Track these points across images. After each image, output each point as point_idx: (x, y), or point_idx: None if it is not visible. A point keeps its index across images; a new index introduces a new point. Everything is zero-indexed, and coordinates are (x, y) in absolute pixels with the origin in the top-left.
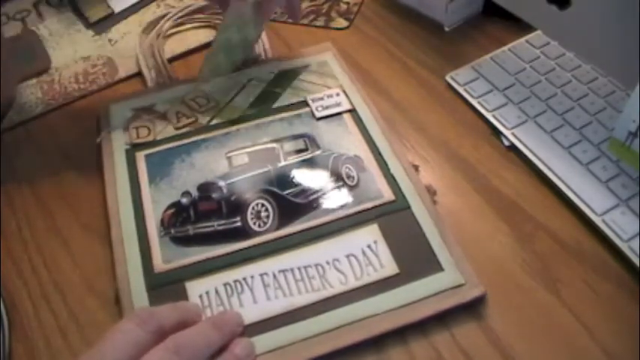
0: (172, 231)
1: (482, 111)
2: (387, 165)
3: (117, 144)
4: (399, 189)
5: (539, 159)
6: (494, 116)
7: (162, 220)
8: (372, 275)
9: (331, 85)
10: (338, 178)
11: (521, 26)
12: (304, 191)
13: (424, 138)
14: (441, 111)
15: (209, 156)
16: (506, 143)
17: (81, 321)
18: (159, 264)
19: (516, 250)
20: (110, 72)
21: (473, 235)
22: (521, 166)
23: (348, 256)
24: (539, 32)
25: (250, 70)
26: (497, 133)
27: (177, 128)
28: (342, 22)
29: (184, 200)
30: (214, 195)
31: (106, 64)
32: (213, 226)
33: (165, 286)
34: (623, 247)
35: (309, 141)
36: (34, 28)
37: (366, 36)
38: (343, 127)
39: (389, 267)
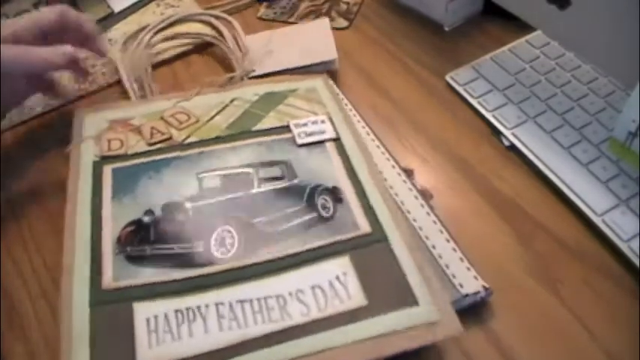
0: (128, 249)
1: (482, 111)
2: (366, 197)
3: (86, 155)
4: (377, 220)
5: (539, 159)
6: (494, 116)
7: (119, 238)
8: (337, 307)
9: (318, 111)
10: (312, 209)
11: (521, 26)
12: (275, 221)
13: (424, 138)
14: (441, 111)
15: (179, 175)
16: (506, 143)
17: None
18: (108, 280)
19: (516, 250)
20: (110, 72)
21: (473, 235)
22: (521, 166)
23: (313, 288)
24: (539, 32)
25: (235, 91)
26: (497, 133)
27: (150, 144)
28: (342, 22)
29: (146, 219)
30: (178, 216)
31: (105, 64)
32: (172, 248)
33: (111, 304)
34: (623, 247)
35: (287, 169)
36: None
37: (366, 36)
38: (325, 156)
39: (356, 298)
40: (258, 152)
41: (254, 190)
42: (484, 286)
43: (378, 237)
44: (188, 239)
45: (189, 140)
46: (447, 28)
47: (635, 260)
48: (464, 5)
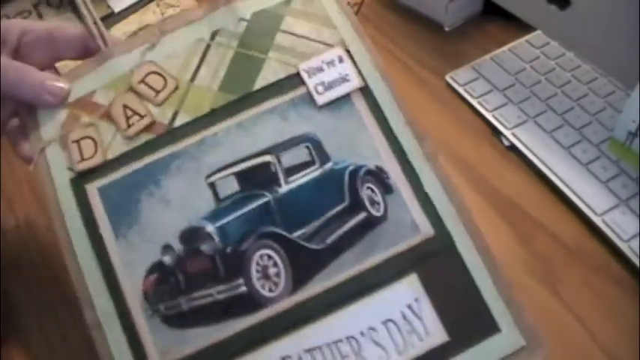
0: (162, 307)
1: (482, 111)
2: (419, 180)
3: (56, 171)
4: (438, 217)
5: (539, 159)
6: (494, 116)
7: (145, 293)
8: (416, 347)
9: (327, 38)
10: (359, 206)
11: (521, 26)
12: (319, 230)
13: None
14: (441, 111)
15: (185, 184)
16: (506, 143)
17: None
18: (154, 357)
19: (516, 251)
20: None
21: None
22: (521, 166)
23: (385, 323)
24: (539, 32)
25: (212, 17)
26: (497, 133)
27: (129, 137)
28: None
29: (167, 259)
30: (204, 247)
31: None
32: (211, 294)
33: None
34: (623, 247)
35: (314, 148)
36: None
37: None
38: (355, 118)
39: (436, 333)
40: (273, 126)
41: (282, 190)
42: None
43: (443, 242)
44: (224, 278)
45: (178, 121)
46: (447, 28)
47: (635, 260)
48: (464, 5)
